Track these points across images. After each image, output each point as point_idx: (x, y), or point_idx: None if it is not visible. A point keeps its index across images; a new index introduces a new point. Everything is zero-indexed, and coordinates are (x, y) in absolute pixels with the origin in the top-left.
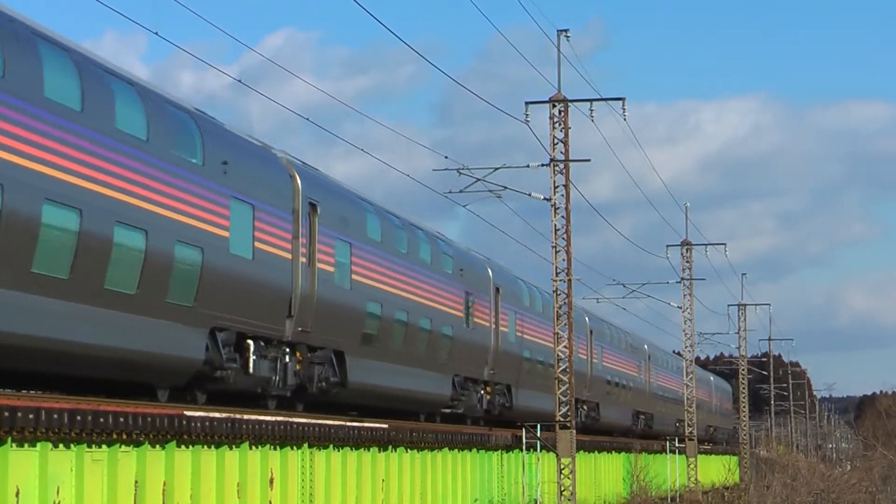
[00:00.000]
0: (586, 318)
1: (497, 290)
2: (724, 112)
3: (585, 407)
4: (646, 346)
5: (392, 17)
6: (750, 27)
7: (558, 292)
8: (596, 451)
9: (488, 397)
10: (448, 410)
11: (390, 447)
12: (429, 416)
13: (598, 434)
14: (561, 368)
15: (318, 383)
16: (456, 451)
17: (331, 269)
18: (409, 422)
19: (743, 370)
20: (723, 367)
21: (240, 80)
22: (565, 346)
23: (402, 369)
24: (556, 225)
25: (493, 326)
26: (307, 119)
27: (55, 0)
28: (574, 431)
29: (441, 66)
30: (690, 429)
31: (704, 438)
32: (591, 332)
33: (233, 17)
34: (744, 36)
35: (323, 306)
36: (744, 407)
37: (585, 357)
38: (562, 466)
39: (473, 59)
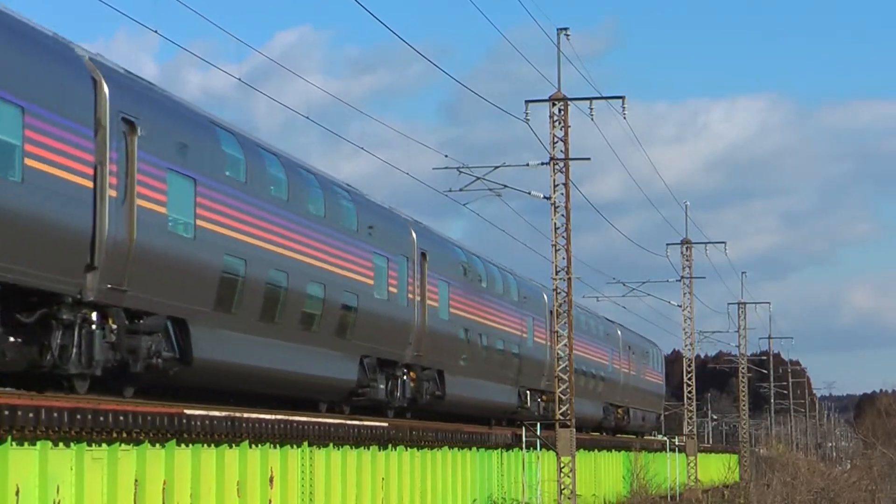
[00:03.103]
0: (619, 332)
1: (552, 313)
2: (732, 111)
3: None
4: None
5: (405, 16)
6: (761, 27)
7: (558, 291)
8: (596, 450)
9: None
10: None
11: (390, 445)
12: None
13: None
14: (561, 367)
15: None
16: (456, 449)
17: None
18: (409, 420)
19: (743, 368)
20: (723, 366)
21: (240, 79)
22: (565, 345)
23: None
24: (555, 223)
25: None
26: (307, 118)
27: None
28: (574, 430)
29: (452, 65)
30: (690, 427)
31: (608, 427)
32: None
33: (249, 14)
34: (755, 35)
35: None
36: (744, 405)
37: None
38: (562, 465)
39: (485, 58)
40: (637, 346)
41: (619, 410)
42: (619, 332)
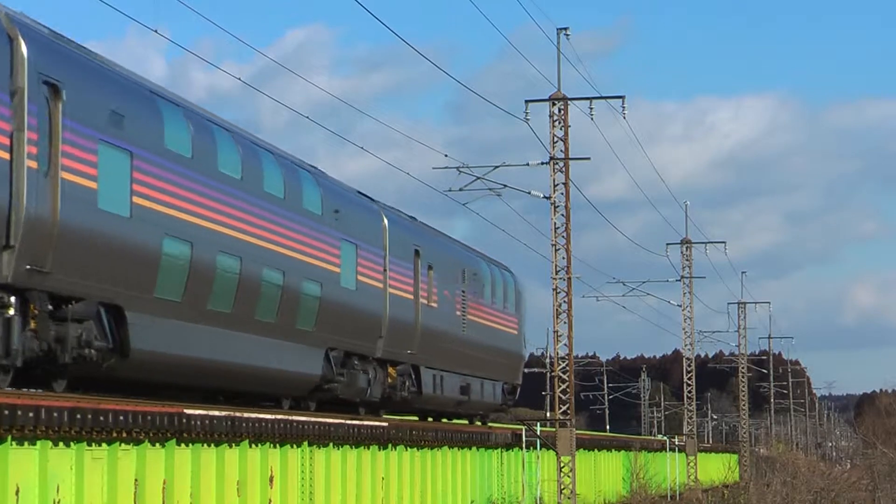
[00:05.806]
0: (386, 222)
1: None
2: (740, 110)
3: None
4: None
5: (417, 14)
6: (768, 26)
7: (558, 290)
8: (596, 450)
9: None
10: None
11: (390, 445)
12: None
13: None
14: (561, 367)
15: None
16: (456, 449)
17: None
18: (409, 419)
19: (743, 368)
20: (723, 366)
21: (241, 79)
22: (565, 345)
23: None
24: (555, 223)
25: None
26: (307, 117)
27: (65, 1)
28: (574, 430)
29: (462, 63)
30: (690, 427)
31: (350, 401)
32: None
33: (263, 11)
34: (763, 34)
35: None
36: (744, 405)
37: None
38: (562, 465)
39: (495, 57)
40: (450, 261)
41: (393, 370)
42: (386, 222)
